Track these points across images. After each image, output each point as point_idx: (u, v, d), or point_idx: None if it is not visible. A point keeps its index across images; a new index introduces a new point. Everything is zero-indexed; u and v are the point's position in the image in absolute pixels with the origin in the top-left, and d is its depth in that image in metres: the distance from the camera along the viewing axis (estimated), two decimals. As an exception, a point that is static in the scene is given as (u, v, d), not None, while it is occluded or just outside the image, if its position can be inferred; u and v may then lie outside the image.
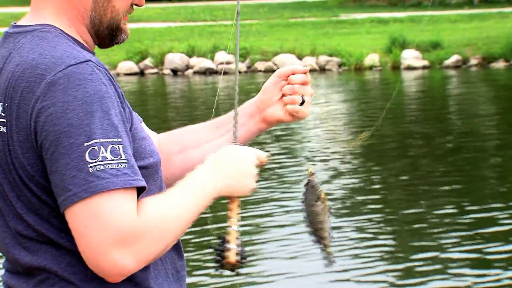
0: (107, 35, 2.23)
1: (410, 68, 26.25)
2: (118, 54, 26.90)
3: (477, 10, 37.66)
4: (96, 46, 2.28)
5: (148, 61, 28.46)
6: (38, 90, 2.00)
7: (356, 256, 8.26)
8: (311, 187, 2.33)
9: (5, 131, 2.05)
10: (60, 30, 2.16)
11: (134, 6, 2.29)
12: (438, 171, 11.92)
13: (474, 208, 9.82)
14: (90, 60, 2.04)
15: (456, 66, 26.08)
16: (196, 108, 20.56)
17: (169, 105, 21.77)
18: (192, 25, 35.16)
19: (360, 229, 9.23)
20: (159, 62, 28.37)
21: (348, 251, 8.38)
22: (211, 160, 2.19)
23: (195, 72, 27.91)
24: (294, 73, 2.43)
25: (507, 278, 7.55)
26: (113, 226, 1.91)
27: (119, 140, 1.97)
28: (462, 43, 27.23)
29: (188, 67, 28.23)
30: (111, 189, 1.91)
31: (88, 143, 1.93)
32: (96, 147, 1.93)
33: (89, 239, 1.91)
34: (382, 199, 10.57)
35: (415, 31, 29.64)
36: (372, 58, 26.85)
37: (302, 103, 2.41)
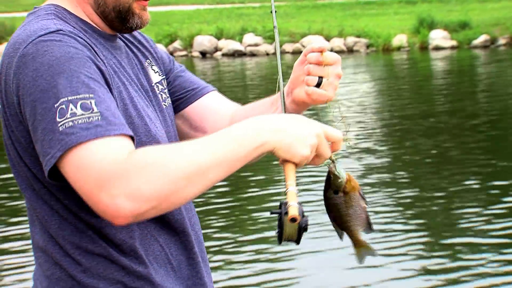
0: (114, 17, 2.21)
1: (438, 48, 26.19)
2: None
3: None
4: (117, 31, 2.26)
5: (177, 44, 28.55)
6: (14, 64, 2.01)
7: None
8: (328, 179, 2.13)
9: (0, 108, 2.08)
10: (64, 9, 2.17)
11: None
12: (468, 147, 11.93)
13: (503, 183, 9.81)
14: (60, 30, 2.04)
15: (484, 46, 26.00)
16: (225, 90, 20.60)
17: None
18: (220, 7, 35.21)
19: (388, 205, 9.25)
20: (188, 44, 28.46)
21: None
22: (269, 116, 2.06)
23: (223, 54, 27.99)
24: (312, 52, 2.31)
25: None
26: (95, 171, 1.84)
27: (91, 95, 1.92)
28: (490, 22, 27.13)
29: (216, 49, 28.31)
30: (85, 141, 1.86)
31: (57, 104, 1.90)
32: (64, 106, 1.90)
33: (82, 191, 1.88)
34: (411, 176, 10.56)
35: (443, 11, 29.55)
36: (400, 39, 26.82)
37: (318, 85, 2.26)
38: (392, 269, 7.34)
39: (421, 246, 7.97)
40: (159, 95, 2.33)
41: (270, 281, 7.32)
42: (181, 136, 2.41)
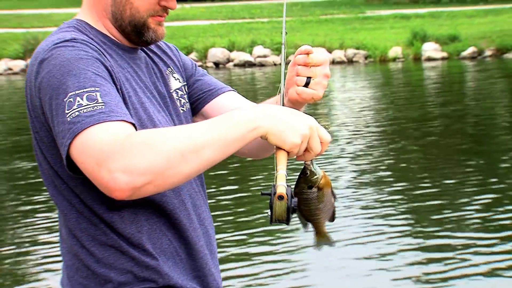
0: (131, 31, 2.21)
1: (430, 59, 26.12)
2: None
3: (492, 6, 37.34)
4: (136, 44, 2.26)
5: (193, 55, 28.51)
6: (35, 70, 2.06)
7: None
8: (304, 175, 2.08)
9: (27, 111, 2.12)
10: (86, 23, 2.20)
11: (170, 7, 2.24)
12: (455, 149, 11.92)
13: (491, 187, 9.79)
14: (74, 38, 2.07)
15: (472, 57, 25.92)
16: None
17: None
18: (232, 22, 35.16)
19: (380, 207, 9.24)
20: (203, 56, 28.43)
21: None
22: (268, 105, 2.05)
23: (235, 65, 27.94)
24: (299, 54, 2.29)
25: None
26: (95, 150, 1.85)
27: (97, 88, 1.94)
28: (477, 36, 27.03)
29: (229, 60, 28.27)
30: (89, 126, 1.88)
31: (65, 98, 1.93)
32: (71, 99, 1.92)
33: (87, 171, 1.89)
34: (401, 177, 10.56)
35: (434, 25, 29.47)
36: (395, 51, 26.76)
37: (307, 85, 2.21)
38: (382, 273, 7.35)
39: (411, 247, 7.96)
40: (177, 101, 2.33)
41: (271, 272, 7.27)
42: None
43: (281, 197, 1.93)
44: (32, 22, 35.33)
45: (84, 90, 1.93)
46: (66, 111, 1.92)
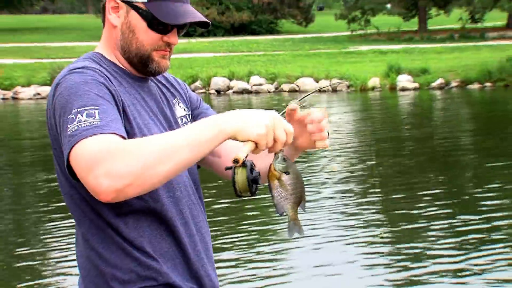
0: (137, 62, 2.20)
1: (404, 89, 26.18)
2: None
3: (457, 44, 37.47)
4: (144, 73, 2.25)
5: (198, 83, 28.57)
6: (51, 94, 2.08)
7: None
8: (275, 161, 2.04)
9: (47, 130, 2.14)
10: (101, 55, 2.21)
11: (171, 43, 2.22)
12: (424, 166, 11.95)
13: (455, 200, 9.80)
14: (85, 66, 2.08)
15: (440, 88, 25.99)
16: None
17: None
18: (232, 55, 35.23)
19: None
20: (207, 84, 28.47)
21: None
22: (232, 111, 2.00)
23: (234, 92, 27.97)
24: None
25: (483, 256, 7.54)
26: (85, 158, 1.86)
27: (96, 107, 1.94)
28: (445, 69, 27.14)
29: (229, 88, 28.30)
30: (83, 138, 1.89)
31: (70, 115, 1.94)
32: (73, 116, 1.93)
33: (80, 178, 1.91)
34: (376, 188, 10.57)
35: (408, 60, 29.57)
36: (374, 81, 26.83)
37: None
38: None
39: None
40: (182, 126, 2.30)
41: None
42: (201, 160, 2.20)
43: (236, 161, 1.92)
44: (58, 53, 35.39)
45: (85, 108, 1.94)
46: (68, 126, 1.93)
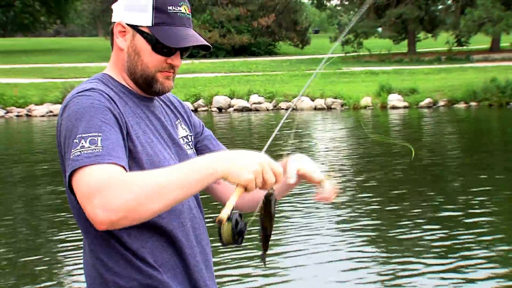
0: (142, 83, 2.20)
1: (394, 107, 26.25)
2: (178, 96, 26.69)
3: (444, 65, 37.58)
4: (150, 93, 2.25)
5: (200, 101, 28.61)
6: (60, 113, 2.09)
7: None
8: (265, 200, 2.06)
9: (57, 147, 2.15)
10: (109, 76, 2.22)
11: (175, 65, 2.22)
12: (413, 178, 11.95)
13: (443, 213, 9.82)
14: (93, 88, 2.08)
15: (428, 106, 26.05)
16: (236, 136, 20.68)
17: (216, 134, 21.87)
18: (233, 75, 35.32)
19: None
20: (209, 102, 28.52)
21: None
22: (224, 151, 2.04)
23: (235, 110, 28.01)
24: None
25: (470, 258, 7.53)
26: (85, 188, 1.88)
27: (99, 134, 1.95)
28: (433, 89, 27.21)
29: (230, 106, 28.34)
30: (85, 165, 1.90)
31: (75, 139, 1.96)
32: (77, 140, 1.95)
33: (80, 204, 1.92)
34: (368, 200, 10.57)
35: (398, 80, 29.64)
36: (366, 100, 26.88)
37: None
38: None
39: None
40: (184, 145, 2.31)
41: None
42: None
43: (219, 222, 1.95)
44: (70, 73, 35.47)
45: (89, 134, 1.95)
46: (72, 150, 1.95)
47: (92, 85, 2.11)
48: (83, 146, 1.94)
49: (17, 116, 28.42)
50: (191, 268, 2.20)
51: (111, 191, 1.85)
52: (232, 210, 1.98)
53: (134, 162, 2.08)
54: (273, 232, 2.10)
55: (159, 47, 2.16)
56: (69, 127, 2.00)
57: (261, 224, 2.07)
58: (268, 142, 2.30)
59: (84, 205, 1.90)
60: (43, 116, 27.99)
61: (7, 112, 28.73)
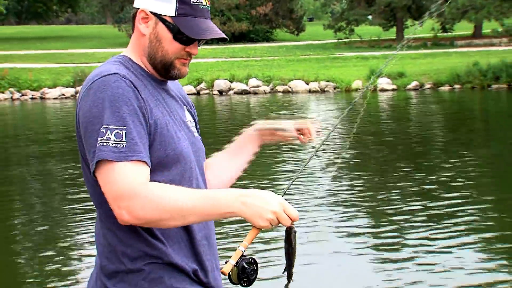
0: (160, 68, 2.20)
1: (383, 90, 26.23)
2: (182, 80, 26.78)
3: (430, 50, 37.49)
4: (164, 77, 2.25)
5: (202, 85, 28.58)
6: (82, 93, 2.09)
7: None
8: (293, 233, 2.06)
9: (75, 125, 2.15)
10: (129, 59, 2.21)
11: (192, 53, 2.22)
12: (400, 155, 11.98)
13: (429, 193, 9.84)
14: (117, 73, 2.07)
15: (415, 89, 26.05)
16: (236, 117, 20.70)
17: (218, 115, 21.89)
18: (233, 60, 35.23)
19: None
20: (210, 85, 28.49)
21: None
22: (238, 190, 2.02)
23: (234, 93, 28.00)
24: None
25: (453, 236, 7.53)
26: (114, 187, 1.96)
27: (124, 127, 1.99)
28: (419, 73, 27.20)
29: (230, 89, 28.32)
30: (112, 160, 1.96)
31: (100, 128, 1.98)
32: (103, 130, 1.98)
33: (106, 197, 2.01)
34: (358, 177, 10.59)
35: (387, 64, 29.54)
36: (357, 83, 26.85)
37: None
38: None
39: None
40: (191, 128, 2.31)
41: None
42: None
43: (224, 273, 2.04)
44: (80, 59, 35.36)
45: (114, 127, 1.99)
46: (98, 138, 1.98)
47: (116, 69, 2.10)
48: (109, 138, 1.97)
49: (31, 98, 28.42)
50: (195, 242, 2.20)
51: (139, 201, 1.95)
52: (242, 256, 2.04)
53: (152, 144, 2.09)
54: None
55: (179, 36, 2.15)
56: (95, 114, 2.01)
57: (286, 255, 2.09)
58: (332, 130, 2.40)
59: (111, 203, 1.99)
60: (55, 98, 28.01)
61: (22, 95, 28.75)
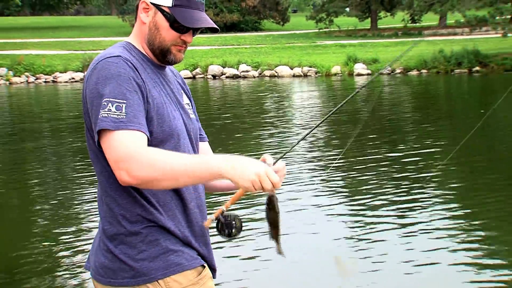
0: (158, 53, 2.20)
1: (359, 74, 26.25)
2: (179, 65, 26.77)
3: (401, 39, 37.45)
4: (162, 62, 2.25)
5: (198, 70, 28.46)
6: (88, 74, 2.08)
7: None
8: (275, 200, 2.06)
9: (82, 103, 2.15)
10: (132, 45, 2.22)
11: (187, 41, 2.22)
12: (372, 135, 11.99)
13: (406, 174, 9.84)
14: (119, 55, 2.07)
15: (388, 74, 26.04)
16: (227, 98, 20.63)
17: (211, 96, 21.82)
18: (225, 48, 35.06)
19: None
20: (205, 70, 28.39)
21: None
22: (227, 155, 1.99)
23: (226, 77, 27.93)
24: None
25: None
26: (115, 151, 1.95)
27: (124, 101, 1.98)
28: (391, 59, 27.12)
29: (222, 73, 28.24)
30: (112, 130, 1.95)
31: (102, 101, 1.98)
32: (105, 103, 1.97)
33: (108, 160, 2.00)
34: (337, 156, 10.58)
35: (362, 52, 29.55)
36: (336, 69, 26.85)
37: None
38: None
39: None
40: (188, 110, 2.30)
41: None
42: None
43: (204, 226, 2.20)
44: (88, 46, 35.07)
45: (115, 100, 1.98)
46: (100, 110, 1.97)
47: (119, 52, 2.10)
48: (110, 109, 1.96)
49: (45, 82, 28.27)
50: (187, 210, 2.20)
51: (136, 162, 1.92)
52: (222, 212, 2.14)
53: (149, 120, 2.08)
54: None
55: (175, 25, 2.16)
56: (98, 89, 2.01)
57: (270, 221, 2.08)
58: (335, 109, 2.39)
59: (112, 166, 1.97)
60: (66, 82, 27.93)
61: (37, 78, 28.60)
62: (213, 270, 2.30)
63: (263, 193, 1.99)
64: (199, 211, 2.26)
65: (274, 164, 2.17)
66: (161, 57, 2.21)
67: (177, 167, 1.93)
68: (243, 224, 2.19)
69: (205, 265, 2.23)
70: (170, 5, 2.16)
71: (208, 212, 2.32)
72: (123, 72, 2.03)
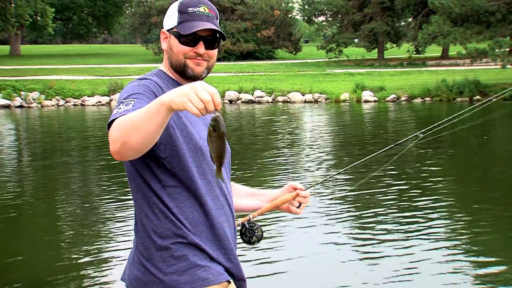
0: (179, 72, 2.21)
1: (366, 101, 26.20)
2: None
3: (405, 69, 37.44)
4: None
5: (216, 95, 28.57)
6: None
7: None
8: (219, 123, 1.82)
9: None
10: (162, 71, 2.25)
11: (199, 53, 2.19)
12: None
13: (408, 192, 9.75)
14: (147, 78, 2.13)
15: (393, 101, 26.00)
16: (243, 122, 20.67)
17: (228, 119, 21.87)
18: (241, 75, 35.20)
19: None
20: (222, 96, 28.42)
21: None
22: (172, 90, 1.84)
23: (242, 102, 27.98)
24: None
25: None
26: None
27: (135, 100, 1.97)
28: (396, 87, 27.15)
29: (238, 99, 28.31)
30: (115, 118, 1.90)
31: (118, 103, 1.99)
32: (119, 104, 1.97)
33: None
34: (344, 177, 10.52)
35: (370, 80, 29.56)
36: (345, 95, 26.84)
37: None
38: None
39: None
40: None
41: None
42: None
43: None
44: (114, 72, 35.36)
45: (127, 100, 1.98)
46: (114, 110, 1.98)
47: (148, 76, 2.16)
48: (120, 108, 1.96)
49: (73, 105, 28.50)
50: (215, 226, 2.18)
51: (112, 130, 1.87)
52: (249, 219, 2.32)
53: (175, 134, 2.09)
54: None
55: (183, 39, 2.18)
56: (120, 97, 2.04)
57: (214, 144, 1.85)
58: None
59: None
60: (93, 105, 28.13)
61: (66, 102, 28.86)
62: (242, 280, 2.26)
63: (210, 115, 1.81)
64: (228, 226, 2.24)
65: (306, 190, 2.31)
66: (182, 74, 2.21)
67: (134, 117, 1.83)
68: (264, 236, 2.23)
69: (231, 280, 2.20)
70: (176, 24, 2.19)
71: (236, 216, 2.35)
72: (142, 83, 2.09)
